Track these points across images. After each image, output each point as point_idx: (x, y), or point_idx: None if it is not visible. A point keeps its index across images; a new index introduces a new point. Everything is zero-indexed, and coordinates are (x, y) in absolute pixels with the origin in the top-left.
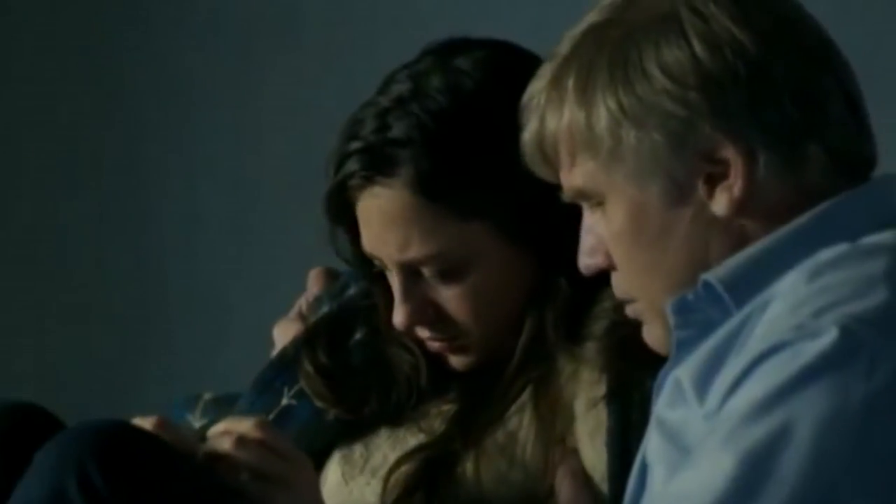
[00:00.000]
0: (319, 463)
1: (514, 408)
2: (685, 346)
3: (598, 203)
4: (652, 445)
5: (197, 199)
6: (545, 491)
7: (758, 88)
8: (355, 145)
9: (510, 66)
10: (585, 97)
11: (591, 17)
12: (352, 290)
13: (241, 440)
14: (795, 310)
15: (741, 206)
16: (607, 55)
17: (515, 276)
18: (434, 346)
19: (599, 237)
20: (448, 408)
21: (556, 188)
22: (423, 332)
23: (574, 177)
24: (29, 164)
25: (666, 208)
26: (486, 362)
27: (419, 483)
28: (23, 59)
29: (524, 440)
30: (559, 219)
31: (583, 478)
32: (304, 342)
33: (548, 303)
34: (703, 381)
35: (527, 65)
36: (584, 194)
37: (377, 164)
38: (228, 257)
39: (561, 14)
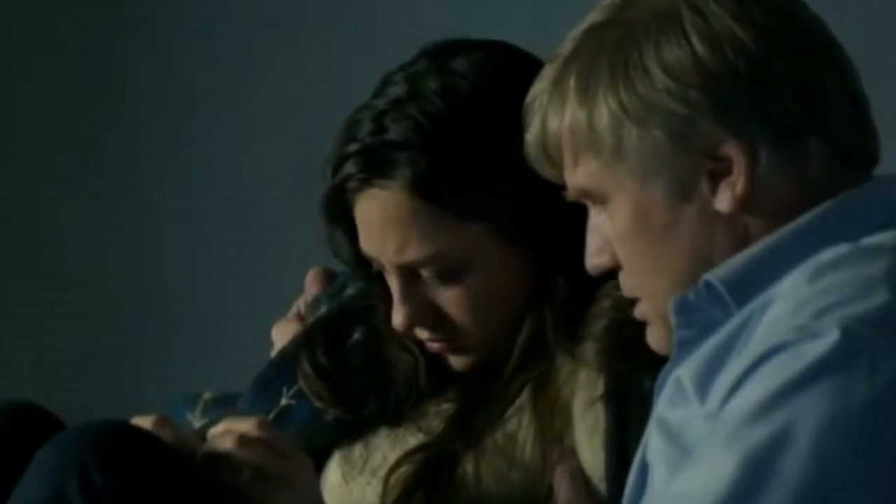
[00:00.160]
0: (319, 463)
1: (512, 408)
2: (686, 346)
3: (603, 202)
4: (652, 445)
5: (197, 199)
6: (545, 491)
7: (759, 85)
8: (352, 147)
9: (507, 68)
10: (587, 97)
11: (592, 18)
12: (350, 291)
13: (243, 439)
14: (797, 310)
15: (744, 203)
16: (608, 55)
17: (514, 277)
18: (433, 346)
19: (605, 237)
20: (447, 407)
21: (555, 189)
22: (422, 333)
23: (578, 177)
24: (29, 164)
25: (669, 206)
26: (485, 362)
27: (419, 483)
28: (23, 59)
29: (523, 440)
30: (558, 219)
31: (581, 478)
32: (303, 342)
33: (547, 302)
34: (704, 382)
35: (524, 66)
36: (588, 194)
37: (374, 167)
38: (228, 257)
39: (560, 14)
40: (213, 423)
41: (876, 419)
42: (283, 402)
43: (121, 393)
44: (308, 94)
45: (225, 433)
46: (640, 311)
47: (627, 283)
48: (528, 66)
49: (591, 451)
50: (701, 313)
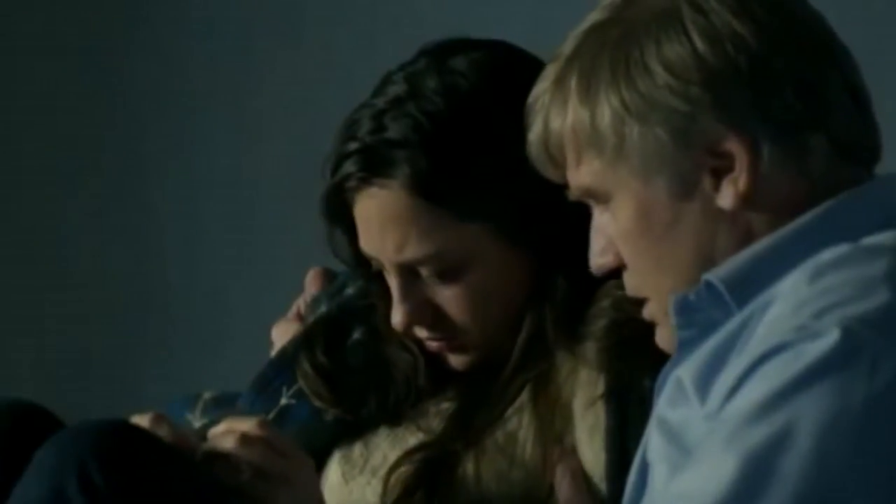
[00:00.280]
0: (319, 463)
1: (513, 408)
2: (687, 346)
3: (606, 201)
4: (653, 445)
5: (197, 199)
6: (545, 490)
7: (760, 81)
8: (352, 146)
9: (507, 67)
10: (589, 96)
11: (593, 17)
12: (349, 290)
13: (244, 438)
14: (797, 310)
15: (747, 199)
16: (609, 53)
17: (513, 276)
18: (432, 345)
19: (609, 237)
20: (447, 407)
21: (555, 188)
22: (421, 332)
23: (581, 176)
24: (29, 164)
25: (672, 203)
26: (485, 361)
27: (420, 483)
28: (23, 59)
29: (524, 440)
30: (557, 219)
31: (581, 477)
32: (303, 342)
33: (546, 302)
34: (705, 381)
35: (523, 65)
36: (591, 193)
37: (374, 165)
38: (228, 257)
39: (560, 14)
40: (213, 422)
41: (876, 419)
42: (283, 401)
43: (121, 393)
44: (308, 94)
45: (225, 432)
46: (647, 312)
47: (632, 283)
48: (528, 66)
49: (591, 451)
50: (701, 313)
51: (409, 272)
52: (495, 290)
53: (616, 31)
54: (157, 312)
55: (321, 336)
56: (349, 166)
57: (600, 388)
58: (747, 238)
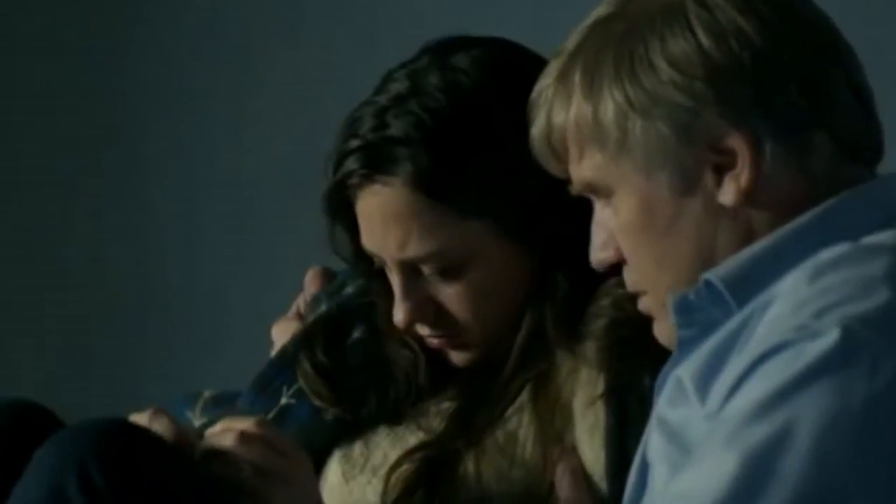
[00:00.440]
0: (319, 462)
1: (513, 407)
2: (687, 346)
3: (608, 196)
4: (653, 444)
5: (197, 199)
6: (546, 489)
7: (763, 78)
8: (354, 143)
9: (508, 64)
10: (592, 90)
11: (597, 12)
12: (349, 289)
13: (243, 437)
14: (797, 310)
15: (749, 196)
16: (613, 48)
17: (514, 274)
18: (433, 342)
19: (610, 231)
20: (448, 406)
21: (557, 185)
22: (422, 329)
23: (583, 170)
24: (29, 164)
25: (674, 199)
26: (485, 360)
27: (420, 482)
28: (23, 59)
29: (524, 439)
30: (559, 216)
31: (582, 476)
32: (303, 341)
33: (547, 299)
34: (705, 381)
35: (525, 62)
36: (593, 187)
37: (376, 163)
38: (228, 257)
39: (560, 14)
40: (213, 421)
41: (876, 419)
42: (283, 401)
43: (121, 393)
44: (308, 94)
45: (224, 431)
46: (643, 305)
47: (631, 278)
48: (530, 63)
49: (591, 450)
50: (701, 312)
51: (410, 270)
52: (496, 287)
53: (620, 26)
54: (157, 312)
55: (321, 335)
56: (351, 163)
57: (600, 387)
58: (748, 235)
